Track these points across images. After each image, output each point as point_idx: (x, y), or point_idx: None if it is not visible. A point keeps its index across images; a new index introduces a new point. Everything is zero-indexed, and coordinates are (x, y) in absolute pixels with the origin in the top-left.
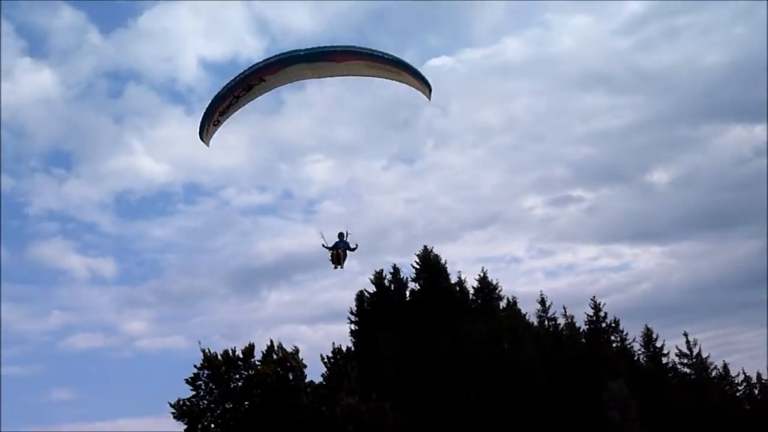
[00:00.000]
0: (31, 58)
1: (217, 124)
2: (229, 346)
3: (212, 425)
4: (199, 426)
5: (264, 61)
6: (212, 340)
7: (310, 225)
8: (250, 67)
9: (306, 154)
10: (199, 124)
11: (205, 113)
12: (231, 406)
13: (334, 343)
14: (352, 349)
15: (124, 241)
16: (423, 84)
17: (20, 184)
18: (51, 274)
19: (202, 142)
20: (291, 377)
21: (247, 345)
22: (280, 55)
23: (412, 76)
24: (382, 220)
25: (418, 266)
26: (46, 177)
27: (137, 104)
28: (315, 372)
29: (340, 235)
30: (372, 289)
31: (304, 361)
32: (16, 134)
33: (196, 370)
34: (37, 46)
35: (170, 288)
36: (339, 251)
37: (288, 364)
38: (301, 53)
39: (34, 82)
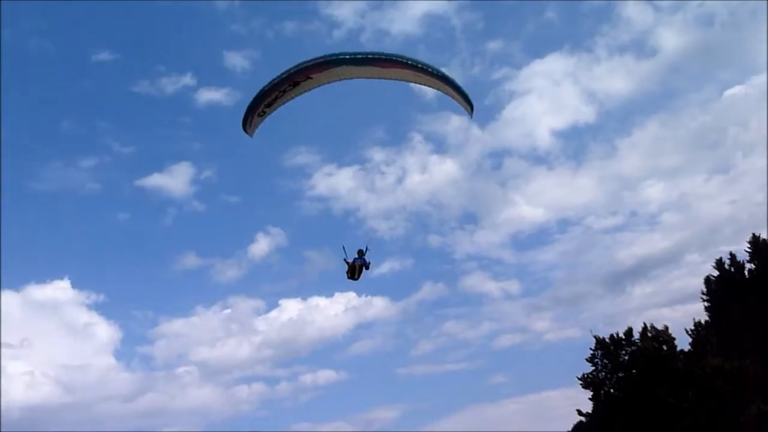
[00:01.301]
0: (437, 155)
1: (263, 115)
2: (612, 331)
3: (611, 390)
4: (601, 392)
5: (312, 60)
6: (597, 328)
7: (654, 233)
8: (298, 65)
9: (641, 180)
10: (242, 118)
11: (249, 107)
12: (622, 375)
13: (694, 319)
14: (709, 321)
15: (521, 267)
16: (465, 101)
17: (446, 240)
18: (477, 297)
19: (245, 132)
20: (665, 348)
21: (626, 329)
22: (328, 55)
23: (455, 91)
24: (711, 220)
25: (749, 251)
26: (462, 232)
27: (513, 170)
28: (681, 343)
29: (360, 252)
30: (715, 273)
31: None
32: (437, 207)
33: (591, 351)
34: (439, 146)
35: (560, 295)
36: (356, 264)
37: (660, 339)
38: (347, 56)
39: (443, 171)
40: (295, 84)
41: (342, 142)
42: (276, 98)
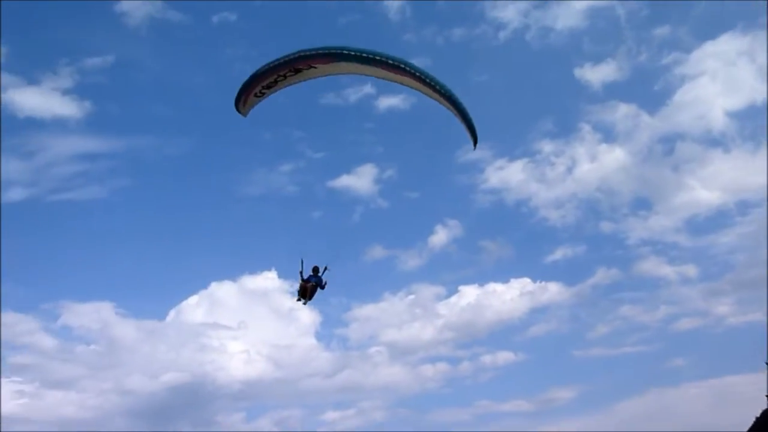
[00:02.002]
0: (606, 143)
1: (261, 96)
2: None
3: None
4: None
5: (317, 50)
6: None
7: None
8: (301, 52)
9: None
10: (236, 96)
11: (245, 85)
12: None
13: None
14: None
15: (699, 251)
16: (469, 129)
17: (618, 225)
18: (652, 281)
19: (238, 112)
20: None
21: None
22: (333, 48)
23: (461, 116)
24: None
25: None
26: (635, 218)
27: (686, 154)
28: None
29: (315, 269)
30: None
31: None
32: (608, 194)
33: None
34: (608, 135)
35: (743, 278)
36: (308, 285)
37: None
38: (352, 53)
39: (612, 158)
40: (297, 71)
41: (512, 136)
42: (276, 81)
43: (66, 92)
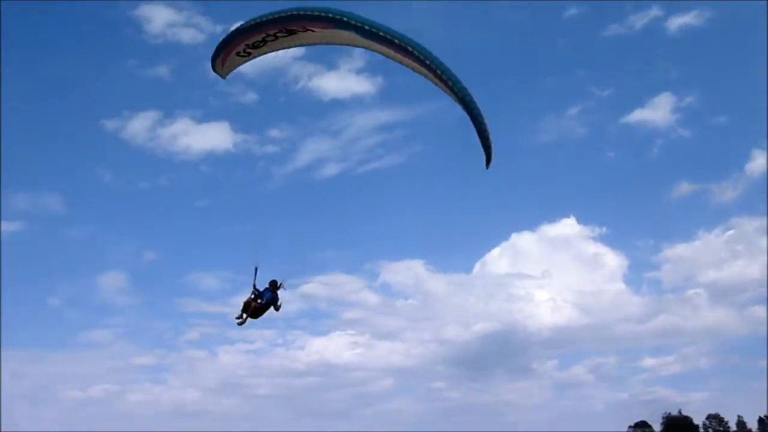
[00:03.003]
0: None
1: (246, 56)
2: None
3: None
4: None
5: (314, 10)
6: None
7: None
8: (293, 10)
9: None
10: (212, 54)
11: (224, 42)
12: None
13: None
14: None
15: None
16: (484, 147)
17: None
18: None
19: (214, 72)
20: None
21: None
22: (334, 12)
23: (477, 128)
24: None
25: None
26: None
27: None
28: None
29: (273, 283)
30: None
31: None
32: None
33: None
34: None
35: None
36: (258, 303)
37: None
38: (355, 23)
39: None
40: (290, 32)
41: None
42: (265, 41)
43: (359, 71)
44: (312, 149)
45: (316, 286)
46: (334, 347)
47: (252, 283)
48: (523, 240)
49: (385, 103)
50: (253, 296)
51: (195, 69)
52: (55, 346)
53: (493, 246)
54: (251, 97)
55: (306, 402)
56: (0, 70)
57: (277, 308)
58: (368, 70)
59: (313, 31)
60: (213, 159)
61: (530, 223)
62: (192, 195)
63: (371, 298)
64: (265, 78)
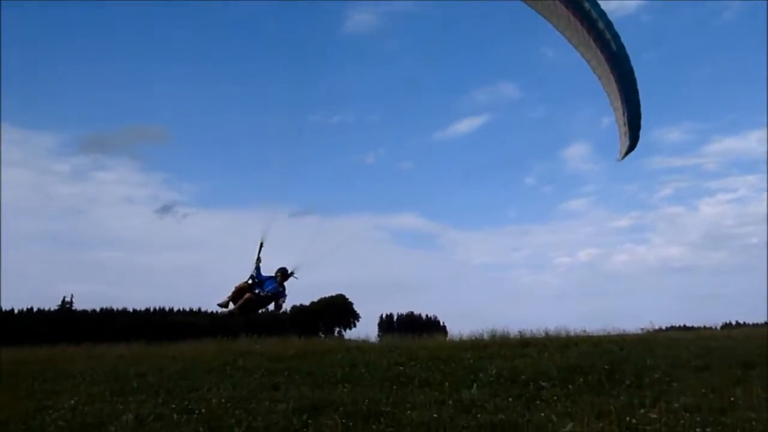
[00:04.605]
0: None
1: None
2: None
3: None
4: None
5: None
6: None
7: None
8: None
9: None
10: None
11: None
12: None
13: None
14: None
15: None
16: (627, 137)
17: None
18: None
19: None
20: None
21: None
22: None
23: (625, 122)
24: None
25: None
26: None
27: None
28: None
29: (283, 271)
30: None
31: None
32: None
33: None
34: None
35: None
36: (254, 294)
37: None
38: None
39: None
40: None
41: None
42: None
43: None
44: None
45: None
46: None
47: (254, 272)
48: None
49: None
50: (249, 282)
51: None
52: (540, 219)
53: None
54: None
55: None
56: None
57: (278, 306)
58: None
59: None
60: None
61: None
62: None
63: None
64: None
